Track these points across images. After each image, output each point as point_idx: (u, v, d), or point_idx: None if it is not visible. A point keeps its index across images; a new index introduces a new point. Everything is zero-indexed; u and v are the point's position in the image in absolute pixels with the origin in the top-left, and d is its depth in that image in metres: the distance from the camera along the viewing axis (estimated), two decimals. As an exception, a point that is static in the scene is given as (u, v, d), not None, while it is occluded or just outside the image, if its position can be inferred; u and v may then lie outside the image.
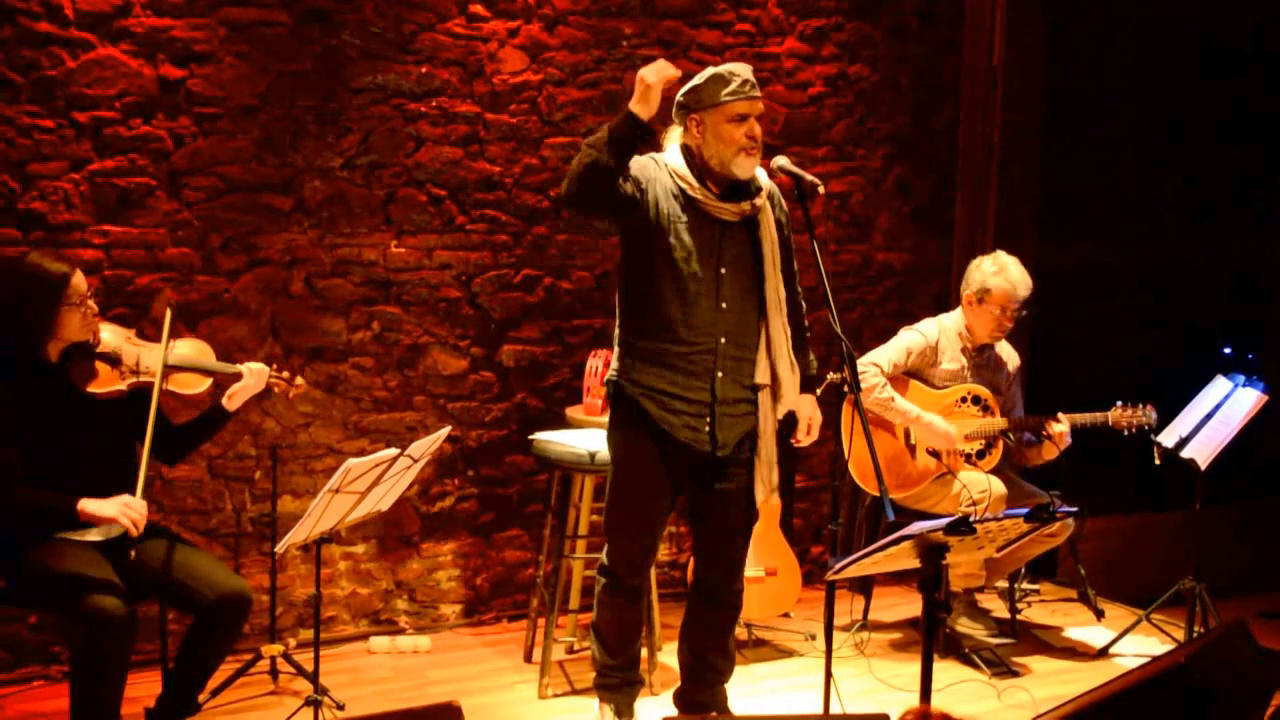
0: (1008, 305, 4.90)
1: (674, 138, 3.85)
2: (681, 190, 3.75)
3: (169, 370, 3.84)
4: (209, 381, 3.97)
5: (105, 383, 3.78)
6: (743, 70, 3.73)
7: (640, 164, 3.77)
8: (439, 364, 5.16)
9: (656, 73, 3.56)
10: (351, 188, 4.94)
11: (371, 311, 5.03)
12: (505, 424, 5.29)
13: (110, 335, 3.86)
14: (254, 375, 4.01)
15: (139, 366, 3.82)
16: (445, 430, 4.06)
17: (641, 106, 3.55)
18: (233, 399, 3.99)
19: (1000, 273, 4.91)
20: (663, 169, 3.79)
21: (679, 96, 3.78)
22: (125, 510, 3.60)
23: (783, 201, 3.97)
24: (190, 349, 3.99)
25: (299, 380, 4.14)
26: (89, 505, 3.60)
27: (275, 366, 4.10)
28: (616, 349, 3.89)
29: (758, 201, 3.81)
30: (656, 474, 3.84)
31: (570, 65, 5.27)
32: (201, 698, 4.31)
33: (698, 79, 3.74)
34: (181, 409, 4.18)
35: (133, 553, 3.61)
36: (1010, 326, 4.96)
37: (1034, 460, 5.02)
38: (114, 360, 3.80)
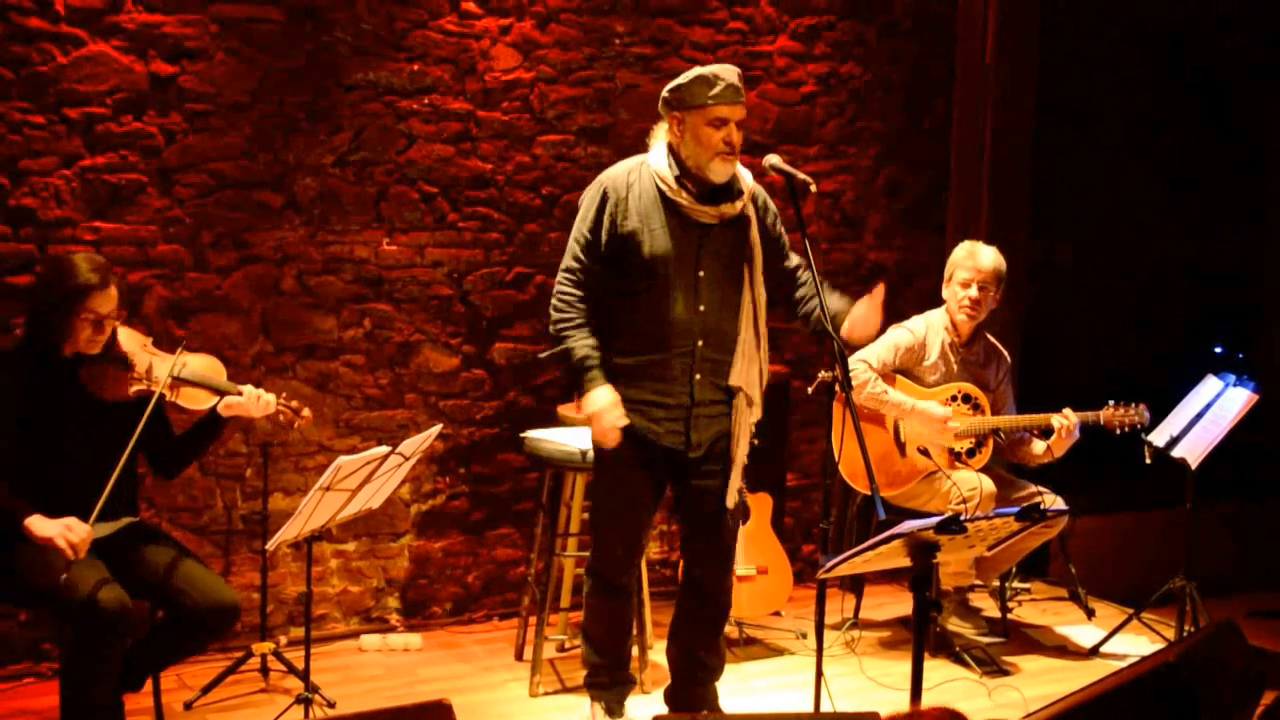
0: (971, 278, 4.89)
1: (659, 135, 3.84)
2: (661, 194, 3.75)
3: (177, 383, 3.77)
4: (215, 400, 3.86)
5: (114, 387, 3.73)
6: (728, 74, 3.70)
7: (614, 183, 3.78)
8: (430, 362, 5.15)
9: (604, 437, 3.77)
10: (343, 185, 4.94)
11: (363, 309, 5.02)
12: (497, 422, 5.28)
13: (126, 340, 3.81)
14: (252, 399, 3.86)
15: (149, 375, 3.77)
16: (436, 428, 4.06)
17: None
18: (228, 409, 3.88)
19: (963, 248, 4.99)
20: (642, 174, 3.79)
21: (665, 92, 3.77)
22: (64, 533, 3.49)
23: (769, 201, 3.95)
24: (201, 365, 3.88)
25: (306, 412, 4.03)
26: (34, 522, 3.51)
27: (284, 396, 4.01)
28: None
29: (738, 204, 3.80)
30: (639, 475, 3.86)
31: (562, 63, 5.27)
32: (190, 696, 4.32)
33: (684, 77, 3.73)
34: (183, 426, 4.15)
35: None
36: (980, 303, 4.90)
37: (1035, 459, 4.99)
38: (126, 365, 3.75)
